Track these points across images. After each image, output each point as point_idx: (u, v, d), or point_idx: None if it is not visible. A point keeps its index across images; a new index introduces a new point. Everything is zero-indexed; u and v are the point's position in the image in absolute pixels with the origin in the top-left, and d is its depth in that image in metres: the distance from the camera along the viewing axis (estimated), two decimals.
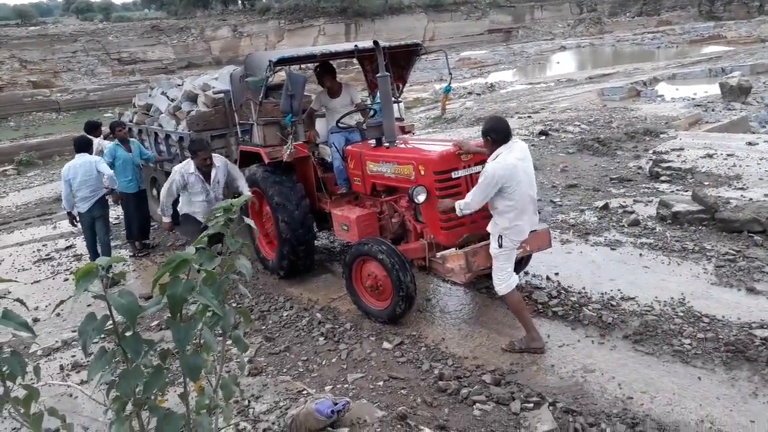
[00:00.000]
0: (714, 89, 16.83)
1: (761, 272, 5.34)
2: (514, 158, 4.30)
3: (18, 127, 26.40)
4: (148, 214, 8.43)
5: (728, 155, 9.29)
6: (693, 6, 54.42)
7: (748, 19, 45.22)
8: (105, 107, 28.46)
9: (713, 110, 14.59)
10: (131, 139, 8.30)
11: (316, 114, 6.71)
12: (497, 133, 4.37)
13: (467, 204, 4.44)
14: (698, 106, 15.13)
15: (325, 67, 6.47)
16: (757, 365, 4.06)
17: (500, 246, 4.45)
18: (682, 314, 4.77)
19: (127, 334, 1.80)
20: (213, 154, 6.25)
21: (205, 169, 6.10)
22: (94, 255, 7.51)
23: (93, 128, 8.85)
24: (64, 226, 10.00)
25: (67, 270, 7.72)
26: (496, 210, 4.42)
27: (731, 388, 3.87)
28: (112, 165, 7.60)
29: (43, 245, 8.96)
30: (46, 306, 6.49)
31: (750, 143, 9.95)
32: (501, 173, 4.22)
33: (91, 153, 7.52)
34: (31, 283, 7.39)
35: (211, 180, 6.13)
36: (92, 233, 7.43)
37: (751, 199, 7.02)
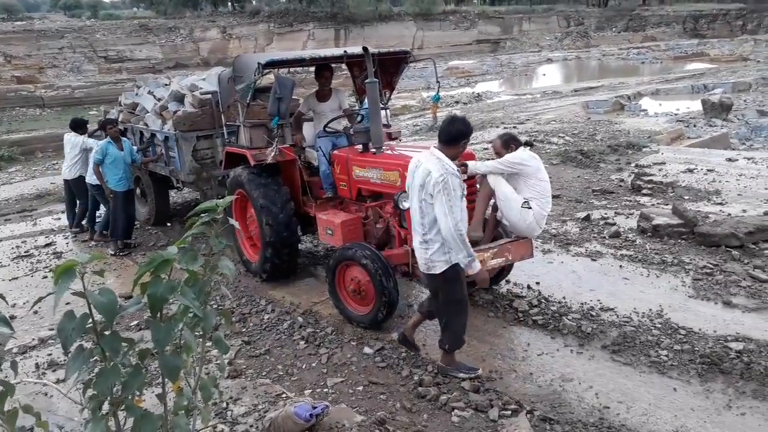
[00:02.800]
0: (696, 105, 17.14)
1: (738, 286, 5.43)
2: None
3: (0, 122, 26.02)
4: (134, 213, 8.39)
5: (708, 170, 9.46)
6: (678, 23, 55.26)
7: (731, 37, 46.03)
8: (90, 105, 28.13)
9: (695, 126, 14.85)
10: (123, 138, 8.27)
11: (303, 118, 6.72)
12: (516, 141, 4.99)
13: (484, 165, 4.90)
14: (680, 121, 15.39)
15: (327, 66, 6.50)
16: (732, 378, 4.12)
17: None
18: (659, 326, 4.84)
19: (106, 332, 1.79)
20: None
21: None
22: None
23: (78, 126, 8.79)
24: (44, 223, 9.90)
25: (47, 267, 7.62)
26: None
27: (706, 400, 3.93)
28: (102, 162, 7.72)
29: (23, 242, 8.84)
30: (24, 303, 6.40)
31: (730, 159, 10.14)
32: (526, 156, 4.81)
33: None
34: (9, 280, 7.29)
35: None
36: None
37: (729, 214, 7.15)
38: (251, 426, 3.71)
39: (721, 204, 7.79)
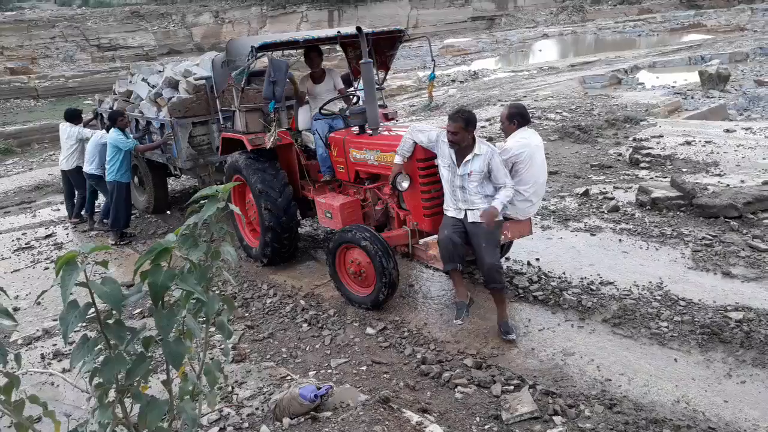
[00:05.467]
0: (693, 77, 17.03)
1: (737, 257, 5.46)
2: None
3: None
4: (130, 202, 8.42)
5: (706, 142, 9.43)
6: None
7: (727, 7, 45.54)
8: (85, 94, 27.93)
9: (692, 98, 14.77)
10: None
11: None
12: (522, 119, 4.73)
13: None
14: (678, 93, 15.29)
15: (315, 48, 6.44)
16: (732, 347, 4.16)
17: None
18: (659, 298, 4.87)
19: (110, 321, 1.80)
20: (480, 140, 4.54)
21: (455, 145, 4.48)
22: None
23: (73, 117, 8.76)
24: (44, 214, 9.90)
25: (48, 259, 7.64)
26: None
27: (706, 369, 3.98)
28: (130, 147, 7.84)
29: (23, 234, 8.85)
30: (27, 295, 6.43)
31: (728, 130, 10.11)
32: (518, 147, 4.60)
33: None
34: (11, 273, 7.31)
35: (462, 162, 4.47)
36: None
37: (728, 185, 7.16)
38: (257, 408, 3.75)
39: (719, 175, 7.79)
